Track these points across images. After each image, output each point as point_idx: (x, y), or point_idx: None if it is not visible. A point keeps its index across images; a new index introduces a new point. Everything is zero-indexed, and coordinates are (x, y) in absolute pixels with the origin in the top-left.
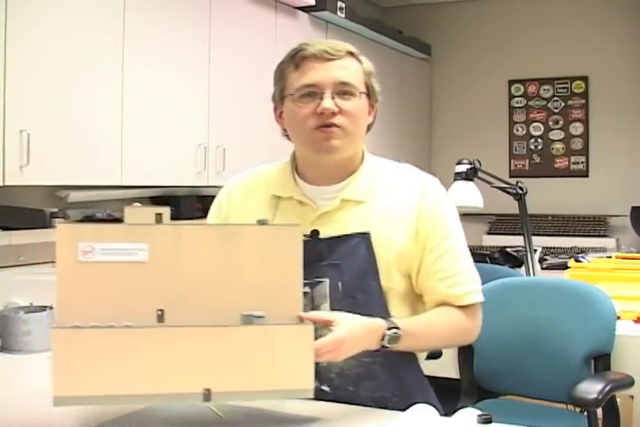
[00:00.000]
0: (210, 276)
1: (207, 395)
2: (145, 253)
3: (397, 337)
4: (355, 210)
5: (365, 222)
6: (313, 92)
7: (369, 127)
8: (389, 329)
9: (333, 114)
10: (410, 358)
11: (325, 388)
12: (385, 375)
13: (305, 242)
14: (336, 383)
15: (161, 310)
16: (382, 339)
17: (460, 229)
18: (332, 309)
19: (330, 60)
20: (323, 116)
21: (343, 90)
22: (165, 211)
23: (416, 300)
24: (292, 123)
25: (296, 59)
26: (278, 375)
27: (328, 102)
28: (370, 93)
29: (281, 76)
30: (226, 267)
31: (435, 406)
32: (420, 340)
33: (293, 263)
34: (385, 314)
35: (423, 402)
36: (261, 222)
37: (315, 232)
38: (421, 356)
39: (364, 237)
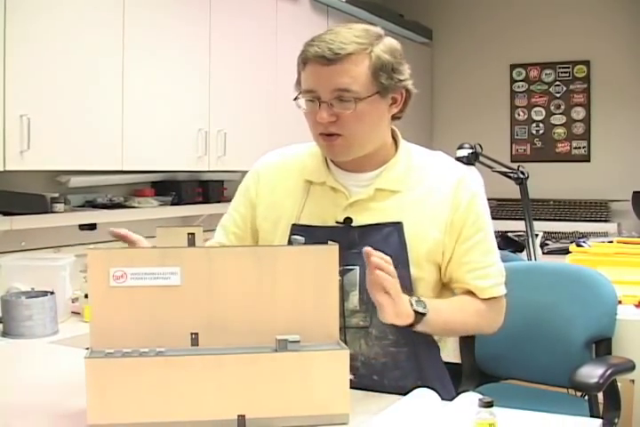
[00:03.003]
0: (244, 298)
1: (241, 421)
2: (178, 276)
3: (422, 303)
4: (389, 199)
5: (399, 212)
6: (313, 99)
7: (396, 116)
8: (411, 297)
9: (332, 122)
10: (432, 349)
11: (350, 376)
12: (409, 365)
13: (337, 229)
14: (361, 372)
15: (195, 334)
16: (411, 304)
17: (491, 222)
18: (362, 297)
19: (328, 64)
20: (321, 125)
21: (341, 97)
22: (198, 231)
23: (443, 290)
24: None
25: (302, 57)
26: (313, 401)
27: (322, 113)
28: (382, 91)
29: (297, 69)
30: (261, 289)
31: (451, 397)
32: (448, 317)
33: (330, 284)
34: None
35: (445, 395)
36: (296, 241)
37: (348, 220)
38: (442, 346)
39: (397, 226)
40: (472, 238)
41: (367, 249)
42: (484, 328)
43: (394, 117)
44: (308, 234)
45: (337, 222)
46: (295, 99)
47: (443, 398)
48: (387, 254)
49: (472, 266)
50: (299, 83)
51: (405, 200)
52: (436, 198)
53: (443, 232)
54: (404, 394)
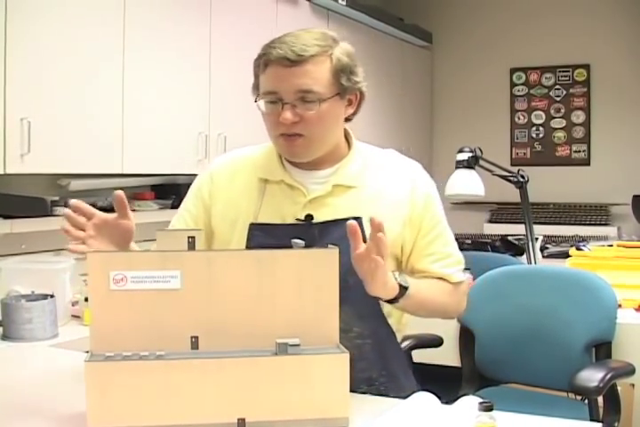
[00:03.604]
0: (244, 302)
1: (241, 425)
2: (178, 280)
3: (404, 277)
4: (346, 195)
5: (357, 207)
6: (275, 100)
7: (350, 118)
8: (393, 272)
9: (295, 122)
10: (393, 339)
11: None
12: (373, 356)
13: (297, 226)
14: None
15: (195, 337)
16: (395, 278)
17: (444, 215)
18: None
19: (291, 66)
20: (283, 126)
21: (304, 98)
22: (198, 234)
23: None
24: (264, 122)
25: (264, 59)
26: (313, 404)
27: (286, 114)
28: (342, 92)
29: (255, 72)
30: (261, 293)
31: (414, 385)
32: (424, 293)
33: (330, 288)
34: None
35: (407, 383)
36: (297, 245)
37: (309, 217)
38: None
39: (356, 221)
40: (431, 233)
41: (373, 217)
42: (450, 308)
43: (346, 119)
44: (268, 232)
45: (298, 220)
46: (255, 101)
47: (407, 386)
48: (347, 249)
49: (436, 257)
50: (256, 86)
51: (362, 196)
52: (393, 196)
53: (402, 227)
54: (372, 386)
